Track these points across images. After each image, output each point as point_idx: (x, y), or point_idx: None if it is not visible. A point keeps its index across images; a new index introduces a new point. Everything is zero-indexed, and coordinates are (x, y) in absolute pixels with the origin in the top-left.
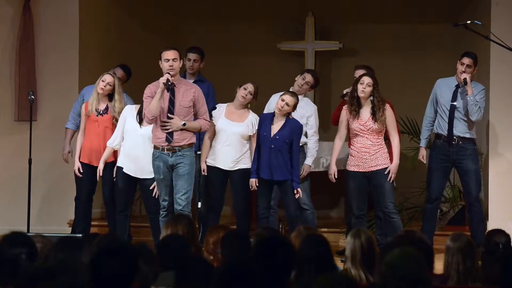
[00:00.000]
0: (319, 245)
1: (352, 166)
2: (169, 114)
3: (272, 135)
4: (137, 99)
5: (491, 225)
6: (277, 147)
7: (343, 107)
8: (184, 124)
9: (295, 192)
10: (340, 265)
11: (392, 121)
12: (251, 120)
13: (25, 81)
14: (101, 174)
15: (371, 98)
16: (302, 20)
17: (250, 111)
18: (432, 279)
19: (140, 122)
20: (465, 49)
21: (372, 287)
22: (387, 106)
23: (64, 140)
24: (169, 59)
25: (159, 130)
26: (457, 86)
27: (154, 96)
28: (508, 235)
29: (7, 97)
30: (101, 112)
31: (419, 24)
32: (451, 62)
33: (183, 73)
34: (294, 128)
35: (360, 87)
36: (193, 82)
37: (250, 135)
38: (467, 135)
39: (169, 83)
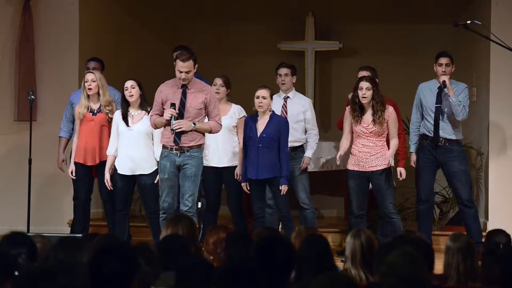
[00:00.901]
0: (319, 245)
1: (352, 165)
2: (178, 120)
3: (258, 134)
4: None
5: (491, 225)
6: (264, 145)
7: (346, 108)
8: (195, 125)
9: (280, 188)
10: (340, 265)
11: (394, 124)
12: (234, 111)
13: (25, 81)
14: (110, 183)
15: (372, 100)
16: (302, 20)
17: (232, 104)
18: (431, 279)
19: (126, 122)
20: (465, 49)
21: (372, 287)
22: (390, 109)
23: (58, 149)
24: (182, 71)
25: (168, 130)
26: (440, 88)
27: (159, 117)
28: (508, 235)
29: (7, 97)
30: (95, 111)
31: (419, 24)
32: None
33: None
34: (280, 124)
35: (360, 93)
36: None
37: (235, 126)
38: (453, 137)
39: (174, 117)
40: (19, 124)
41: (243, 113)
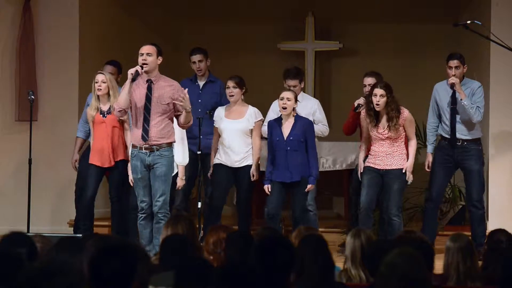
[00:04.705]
0: (317, 245)
1: (370, 163)
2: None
3: (285, 138)
4: None
5: (491, 225)
6: (293, 148)
7: (362, 112)
8: (190, 109)
9: (308, 186)
10: (340, 265)
11: (411, 125)
12: (250, 113)
13: (25, 81)
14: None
15: (387, 107)
16: (302, 20)
17: (249, 106)
18: (431, 279)
19: None
20: (465, 49)
21: (372, 287)
22: (406, 112)
23: (74, 148)
24: (143, 53)
25: (136, 129)
26: (454, 89)
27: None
28: (510, 234)
29: (7, 97)
30: (105, 113)
31: (419, 24)
32: None
33: (193, 75)
34: (305, 126)
35: (374, 100)
36: (205, 83)
37: (251, 129)
38: (470, 136)
39: (138, 74)
40: (20, 124)
41: (260, 116)
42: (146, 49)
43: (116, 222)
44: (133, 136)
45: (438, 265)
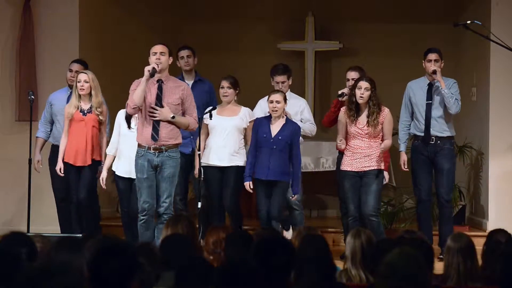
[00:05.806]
0: (317, 245)
1: (346, 165)
2: (156, 107)
3: (273, 136)
4: None
5: (491, 224)
6: (279, 148)
7: (341, 108)
8: (173, 117)
9: (292, 196)
10: (340, 265)
11: (389, 125)
12: (244, 113)
13: (25, 81)
14: (104, 183)
15: (369, 101)
16: (302, 20)
17: (242, 106)
18: (431, 279)
19: (129, 125)
20: (465, 49)
21: (372, 287)
22: (386, 110)
23: (34, 149)
24: (157, 52)
25: (145, 128)
26: (430, 85)
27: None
28: (509, 234)
29: (7, 97)
30: (85, 111)
31: (419, 24)
32: (451, 62)
33: (180, 74)
34: (293, 129)
35: (358, 93)
36: (194, 82)
37: (245, 128)
38: (445, 134)
39: (155, 71)
40: (20, 124)
41: (253, 116)
42: (159, 48)
43: (89, 225)
44: (140, 136)
45: (438, 265)
